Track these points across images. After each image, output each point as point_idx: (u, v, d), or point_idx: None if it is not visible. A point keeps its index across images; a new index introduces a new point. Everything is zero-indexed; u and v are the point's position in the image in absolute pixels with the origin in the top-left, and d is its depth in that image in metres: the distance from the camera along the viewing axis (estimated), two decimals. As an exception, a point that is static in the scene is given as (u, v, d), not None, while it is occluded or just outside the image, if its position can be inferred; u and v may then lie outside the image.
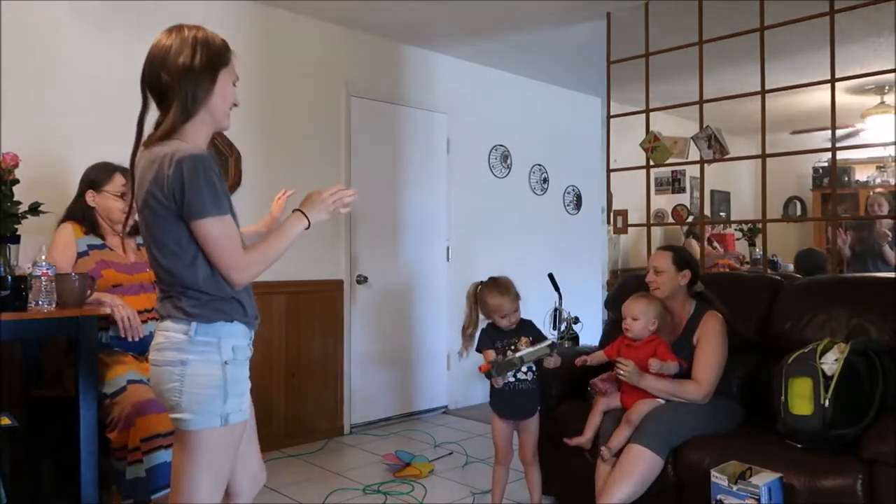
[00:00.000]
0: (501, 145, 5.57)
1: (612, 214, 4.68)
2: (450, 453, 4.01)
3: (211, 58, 1.68)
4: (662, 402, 2.59)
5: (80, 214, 2.80)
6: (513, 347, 2.66)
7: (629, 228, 4.64)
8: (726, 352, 2.68)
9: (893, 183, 7.31)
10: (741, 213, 8.33)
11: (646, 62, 4.13)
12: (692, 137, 3.99)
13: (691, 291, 2.84)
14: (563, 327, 4.38)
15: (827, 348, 2.40)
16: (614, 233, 4.87)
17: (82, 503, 2.41)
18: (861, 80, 4.75)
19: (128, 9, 3.52)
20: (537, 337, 2.72)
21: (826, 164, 7.60)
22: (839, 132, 4.05)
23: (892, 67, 3.55)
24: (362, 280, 4.62)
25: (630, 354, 2.65)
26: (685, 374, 2.64)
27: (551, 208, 6.03)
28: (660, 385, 2.58)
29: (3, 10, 3.14)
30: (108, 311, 2.58)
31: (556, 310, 4.45)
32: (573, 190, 6.24)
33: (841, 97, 4.15)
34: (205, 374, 1.63)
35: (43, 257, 2.44)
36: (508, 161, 5.62)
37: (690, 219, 6.75)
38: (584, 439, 2.71)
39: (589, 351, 3.00)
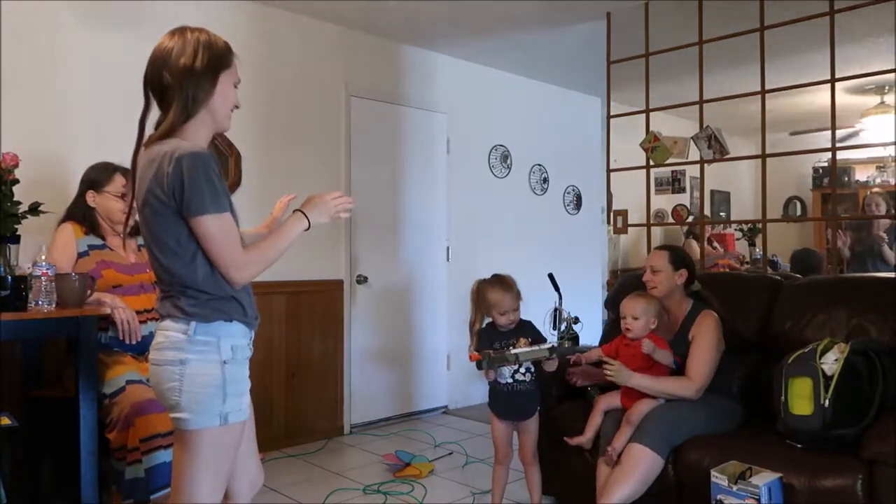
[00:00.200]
0: (501, 145, 5.57)
1: (612, 214, 4.68)
2: (450, 453, 4.01)
3: (212, 59, 1.69)
4: (663, 401, 2.59)
5: (81, 215, 2.80)
6: (510, 349, 2.65)
7: (629, 228, 4.64)
8: (720, 350, 2.68)
9: (893, 183, 7.31)
10: (741, 213, 8.33)
11: (646, 62, 4.13)
12: (692, 137, 3.99)
13: (688, 291, 2.84)
14: (563, 327, 4.37)
15: (827, 348, 2.40)
16: (614, 233, 4.88)
17: (82, 503, 2.41)
18: (861, 80, 4.75)
19: (128, 8, 3.52)
20: (536, 338, 2.71)
21: (826, 165, 7.61)
22: (839, 132, 4.04)
23: (892, 67, 3.55)
24: (362, 280, 4.62)
25: (628, 352, 2.65)
26: (679, 371, 2.64)
27: (551, 208, 6.03)
28: (649, 383, 2.58)
29: (3, 10, 3.14)
30: (108, 311, 2.58)
31: (556, 310, 4.45)
32: (573, 190, 6.24)
33: (841, 97, 4.16)
34: (204, 373, 1.63)
35: (43, 257, 2.44)
36: (508, 161, 5.62)
37: (690, 219, 6.76)
38: (585, 439, 2.71)
39: (586, 351, 3.00)
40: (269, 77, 4.12)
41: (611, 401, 2.73)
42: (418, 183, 4.99)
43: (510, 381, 2.70)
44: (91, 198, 2.79)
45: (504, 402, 2.75)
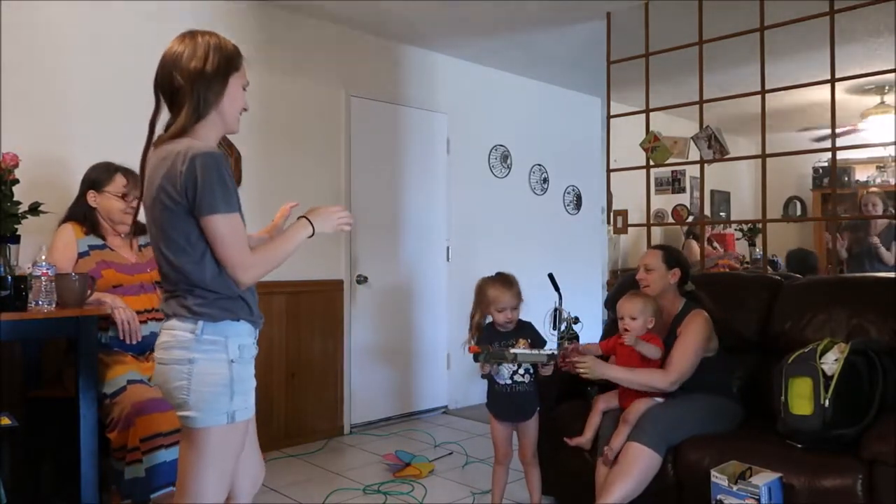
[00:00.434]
0: (501, 145, 5.57)
1: (612, 214, 4.68)
2: (450, 453, 4.01)
3: (222, 62, 1.71)
4: (660, 400, 2.59)
5: (81, 215, 2.80)
6: (510, 348, 2.64)
7: (629, 228, 4.64)
8: (710, 349, 2.67)
9: (893, 183, 7.30)
10: (741, 213, 8.32)
11: (646, 62, 4.14)
12: (692, 137, 3.99)
13: (682, 290, 2.85)
14: (563, 327, 4.37)
15: (827, 348, 2.40)
16: (614, 233, 4.87)
17: (82, 503, 2.41)
18: (861, 80, 4.75)
19: (128, 8, 3.52)
20: (536, 340, 2.71)
21: (826, 164, 7.60)
22: (839, 132, 4.04)
23: (892, 67, 3.55)
24: (362, 280, 4.62)
25: (625, 351, 2.66)
26: None
27: (551, 208, 6.03)
28: (624, 374, 2.61)
29: (3, 10, 3.14)
30: (108, 311, 2.58)
31: (555, 310, 4.44)
32: (573, 190, 6.24)
33: (841, 97, 4.15)
34: (212, 372, 1.65)
35: (43, 257, 2.44)
36: (508, 161, 5.62)
37: (690, 219, 6.75)
38: (584, 439, 2.71)
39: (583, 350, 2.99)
40: (269, 77, 4.12)
41: (609, 401, 2.74)
42: (418, 183, 4.99)
43: (509, 382, 2.70)
44: (92, 198, 2.79)
45: (503, 403, 2.74)
